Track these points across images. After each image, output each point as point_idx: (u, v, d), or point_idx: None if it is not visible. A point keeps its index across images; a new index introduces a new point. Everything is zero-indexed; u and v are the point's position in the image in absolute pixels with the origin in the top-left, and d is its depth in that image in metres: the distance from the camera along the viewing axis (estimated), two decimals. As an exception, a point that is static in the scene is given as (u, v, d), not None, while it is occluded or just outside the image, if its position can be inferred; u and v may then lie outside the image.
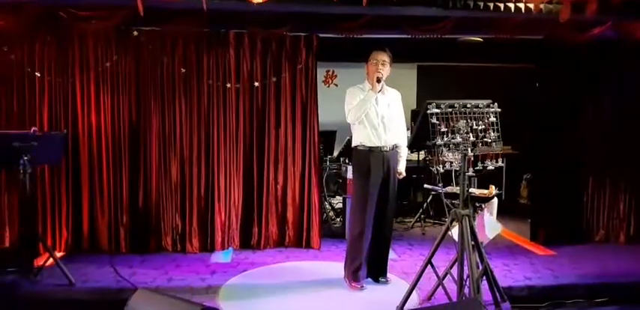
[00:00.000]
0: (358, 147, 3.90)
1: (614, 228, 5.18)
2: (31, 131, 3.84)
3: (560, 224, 5.10)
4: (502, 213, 6.08)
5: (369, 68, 3.86)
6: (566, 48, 4.77)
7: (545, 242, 5.04)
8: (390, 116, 3.89)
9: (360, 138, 3.88)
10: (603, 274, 4.21)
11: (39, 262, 4.05)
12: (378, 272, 4.00)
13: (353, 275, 3.89)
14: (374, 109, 3.84)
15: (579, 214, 5.16)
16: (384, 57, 3.83)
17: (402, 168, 4.04)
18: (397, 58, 6.47)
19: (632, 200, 5.14)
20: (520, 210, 6.38)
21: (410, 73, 6.97)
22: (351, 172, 4.08)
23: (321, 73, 6.88)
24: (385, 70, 3.84)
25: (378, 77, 3.78)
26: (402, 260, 4.59)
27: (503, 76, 6.59)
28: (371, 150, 3.84)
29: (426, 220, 5.83)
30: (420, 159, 5.94)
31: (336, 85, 6.87)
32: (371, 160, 3.83)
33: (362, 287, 3.85)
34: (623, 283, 4.05)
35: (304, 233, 4.89)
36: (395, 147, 3.92)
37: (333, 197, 6.43)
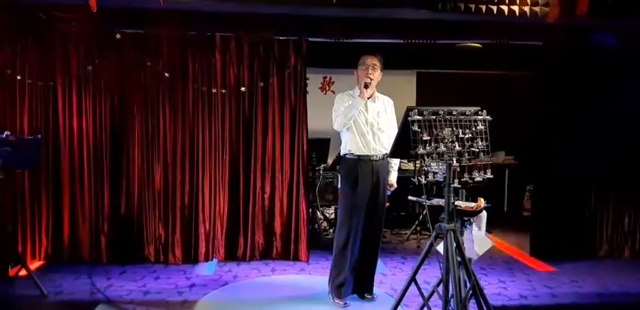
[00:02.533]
0: (347, 156, 3.72)
1: (619, 242, 4.93)
2: (4, 135, 3.70)
3: (562, 238, 4.86)
4: (504, 226, 5.93)
5: (359, 73, 3.69)
6: (568, 54, 4.57)
7: (545, 257, 4.80)
8: (380, 124, 3.70)
9: (349, 146, 3.70)
10: (605, 293, 3.98)
11: (13, 272, 3.90)
12: (363, 288, 3.79)
13: (336, 291, 3.68)
14: (363, 116, 3.66)
15: (582, 228, 4.92)
16: (373, 61, 3.65)
17: (393, 179, 3.84)
18: (396, 65, 6.34)
19: (637, 213, 4.90)
20: (523, 222, 6.14)
21: (409, 81, 6.78)
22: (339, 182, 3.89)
23: (317, 80, 6.76)
24: (375, 75, 3.65)
25: (365, 82, 3.59)
26: (392, 275, 4.38)
27: (504, 83, 6.38)
28: (360, 158, 3.65)
29: (422, 232, 5.61)
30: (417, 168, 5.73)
31: (333, 92, 6.70)
32: (359, 169, 3.64)
33: (345, 304, 3.65)
34: (626, 303, 3.82)
35: (292, 245, 4.70)
36: (385, 157, 3.72)
37: (328, 207, 6.23)
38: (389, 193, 3.91)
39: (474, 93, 6.14)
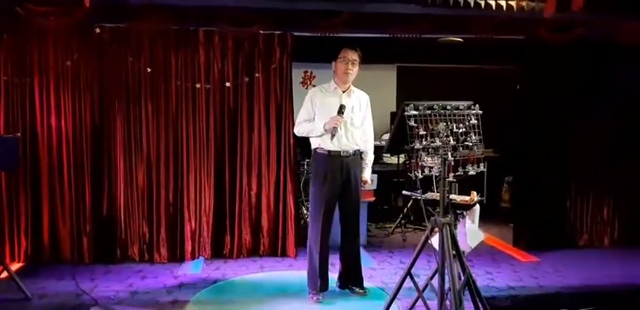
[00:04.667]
0: (317, 150, 3.67)
1: (598, 232, 5.08)
2: (-19, 134, 3.57)
3: (544, 228, 4.97)
4: (483, 217, 5.94)
5: (338, 66, 3.62)
6: (549, 49, 4.65)
7: (528, 247, 4.91)
8: (353, 119, 3.63)
9: (319, 140, 3.64)
10: (588, 281, 4.09)
11: (-7, 275, 3.78)
12: (352, 283, 3.80)
13: (310, 285, 3.70)
14: (335, 110, 3.55)
15: (563, 218, 5.03)
16: (354, 56, 3.59)
17: (367, 175, 3.78)
18: (376, 59, 6.32)
19: (616, 203, 5.05)
20: (502, 213, 6.25)
21: (389, 75, 6.78)
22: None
23: (298, 74, 6.69)
24: (354, 70, 3.61)
25: (332, 133, 3.47)
26: (381, 269, 4.40)
27: (484, 78, 6.45)
28: (330, 154, 3.60)
29: (407, 226, 5.65)
30: (400, 162, 5.76)
31: (315, 86, 6.66)
32: (328, 165, 3.59)
33: (317, 299, 3.64)
34: (609, 291, 3.93)
35: (279, 242, 4.67)
36: (358, 153, 3.67)
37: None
38: (371, 188, 3.85)
39: (454, 87, 6.21)
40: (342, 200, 3.68)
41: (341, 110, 3.50)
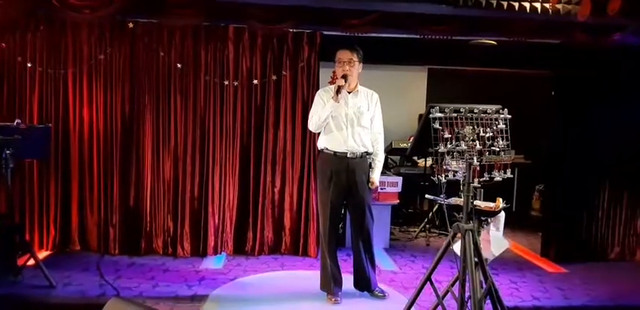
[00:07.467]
0: (324, 151, 3.62)
1: (631, 245, 4.88)
2: (15, 123, 3.66)
3: (573, 239, 4.81)
4: (513, 226, 5.87)
5: (336, 69, 3.57)
6: (586, 53, 4.49)
7: (556, 258, 4.76)
8: (361, 120, 3.56)
9: (325, 141, 3.60)
10: (618, 296, 3.93)
11: (22, 261, 3.87)
12: (365, 285, 3.74)
13: (324, 287, 3.67)
14: (342, 111, 3.52)
15: (594, 229, 4.85)
16: (349, 55, 3.51)
17: (376, 177, 3.68)
18: (407, 61, 6.24)
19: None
20: (532, 222, 6.11)
21: (420, 76, 6.68)
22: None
23: (327, 74, 6.65)
24: (353, 70, 3.51)
25: (339, 85, 3.42)
26: (402, 273, 4.34)
27: (518, 82, 6.30)
28: (336, 155, 3.55)
29: (432, 230, 5.56)
30: (427, 165, 5.68)
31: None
32: (334, 166, 3.55)
33: (335, 300, 3.60)
34: (638, 307, 3.77)
35: (301, 240, 4.66)
36: (365, 155, 3.60)
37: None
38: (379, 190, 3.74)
39: (486, 91, 6.09)
40: (348, 202, 3.65)
41: (344, 77, 3.46)
